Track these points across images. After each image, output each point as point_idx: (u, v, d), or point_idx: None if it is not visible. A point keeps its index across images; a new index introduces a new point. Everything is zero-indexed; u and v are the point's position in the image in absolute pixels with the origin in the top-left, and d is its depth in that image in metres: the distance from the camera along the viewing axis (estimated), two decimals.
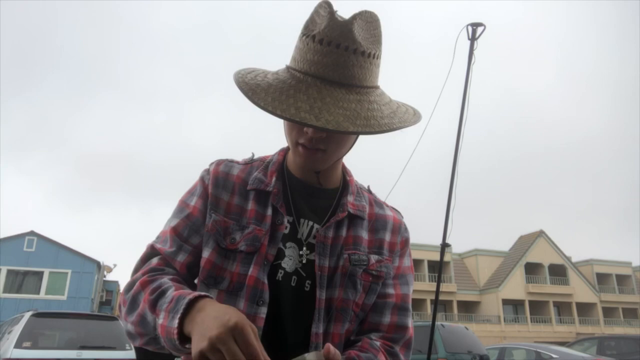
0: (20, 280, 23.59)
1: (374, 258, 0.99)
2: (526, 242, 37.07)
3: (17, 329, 6.19)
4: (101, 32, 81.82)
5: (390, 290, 1.01)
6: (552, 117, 67.46)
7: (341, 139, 0.92)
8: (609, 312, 37.61)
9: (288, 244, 0.96)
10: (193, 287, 0.96)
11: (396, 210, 1.12)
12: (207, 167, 1.05)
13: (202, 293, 0.80)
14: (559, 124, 69.05)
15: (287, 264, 0.95)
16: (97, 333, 6.80)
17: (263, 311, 0.90)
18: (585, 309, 36.79)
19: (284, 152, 1.07)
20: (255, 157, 1.08)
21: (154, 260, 0.96)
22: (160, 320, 0.81)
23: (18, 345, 5.93)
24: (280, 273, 0.94)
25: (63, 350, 6.29)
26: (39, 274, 23.67)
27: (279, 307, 0.92)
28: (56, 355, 6.10)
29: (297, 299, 0.93)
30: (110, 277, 28.86)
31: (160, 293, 0.85)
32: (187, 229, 0.98)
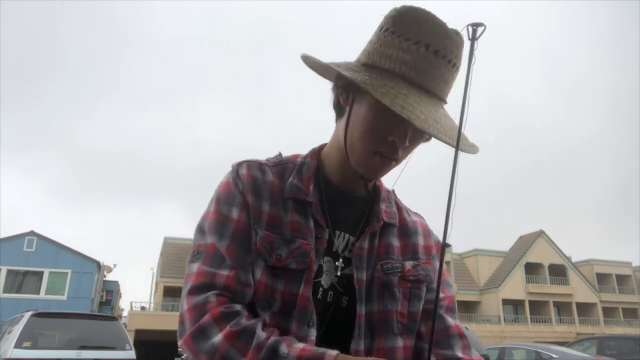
0: (20, 280, 23.57)
1: (409, 264, 0.95)
2: (526, 242, 37.04)
3: (17, 329, 6.18)
4: (102, 32, 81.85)
5: (441, 294, 0.98)
6: (553, 117, 67.45)
7: (413, 149, 0.89)
8: (609, 312, 37.58)
9: (325, 259, 0.90)
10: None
11: (419, 215, 1.09)
12: (233, 169, 0.94)
13: (331, 351, 0.75)
14: (559, 124, 69.06)
15: (325, 280, 0.89)
16: (97, 333, 6.79)
17: (313, 333, 0.84)
18: (585, 309, 36.77)
19: (317, 155, 0.99)
20: (283, 156, 0.99)
21: (215, 296, 0.81)
22: None
23: (18, 345, 5.93)
24: (320, 290, 0.88)
25: (63, 350, 6.29)
26: (39, 274, 23.66)
27: (320, 327, 0.87)
28: (56, 355, 6.09)
29: (334, 316, 0.88)
30: (110, 277, 28.85)
31: (271, 352, 0.75)
32: (241, 249, 0.86)
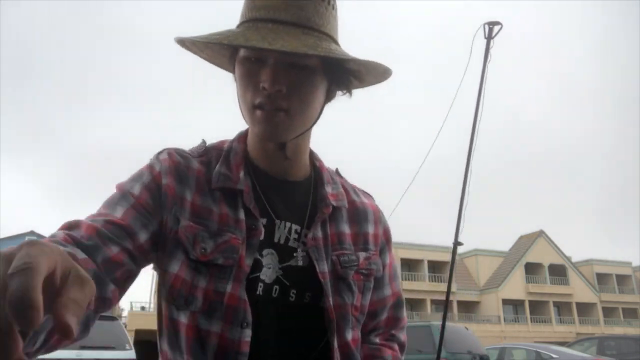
0: None
1: (362, 256, 0.91)
2: (526, 242, 37.08)
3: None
4: (101, 32, 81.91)
5: (388, 292, 0.98)
6: (552, 117, 67.60)
7: (305, 96, 0.80)
8: (609, 312, 37.62)
9: (265, 251, 0.83)
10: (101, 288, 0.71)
11: (369, 194, 1.02)
12: (154, 155, 0.87)
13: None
14: (559, 124, 69.19)
15: (267, 274, 0.82)
16: (97, 333, 6.79)
17: (248, 334, 0.77)
18: (585, 309, 36.80)
19: (244, 138, 0.92)
20: (208, 144, 0.92)
21: (63, 231, 0.72)
22: None
23: None
24: (260, 287, 0.81)
25: (63, 350, 6.29)
26: None
27: (261, 326, 0.80)
28: (56, 355, 6.05)
29: (281, 312, 0.82)
30: None
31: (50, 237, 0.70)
32: (136, 221, 0.77)
